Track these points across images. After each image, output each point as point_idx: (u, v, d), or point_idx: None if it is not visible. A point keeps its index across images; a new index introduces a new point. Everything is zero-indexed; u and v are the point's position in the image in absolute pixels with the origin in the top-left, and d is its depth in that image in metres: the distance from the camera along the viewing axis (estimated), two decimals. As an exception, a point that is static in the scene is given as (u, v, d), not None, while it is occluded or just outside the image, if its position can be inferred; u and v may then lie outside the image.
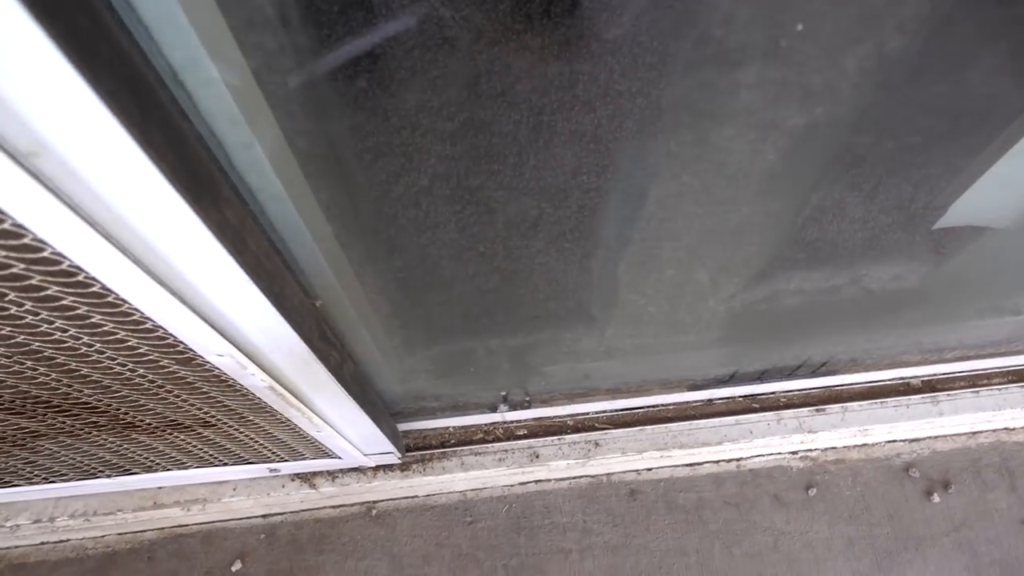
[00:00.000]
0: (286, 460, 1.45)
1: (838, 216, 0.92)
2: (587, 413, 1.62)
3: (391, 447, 1.46)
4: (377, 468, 1.60)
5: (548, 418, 1.62)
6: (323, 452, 1.40)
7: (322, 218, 0.84)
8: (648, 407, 1.63)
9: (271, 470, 1.53)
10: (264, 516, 1.71)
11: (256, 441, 1.29)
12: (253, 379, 0.92)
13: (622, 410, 1.63)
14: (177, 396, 1.01)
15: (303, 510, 1.71)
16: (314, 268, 0.93)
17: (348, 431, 1.26)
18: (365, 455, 1.47)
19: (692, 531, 1.69)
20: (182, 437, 1.24)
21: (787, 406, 1.63)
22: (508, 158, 0.74)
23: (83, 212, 0.52)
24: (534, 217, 0.89)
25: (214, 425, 1.18)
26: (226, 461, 1.42)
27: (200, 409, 1.09)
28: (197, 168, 0.56)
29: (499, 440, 1.63)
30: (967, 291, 1.26)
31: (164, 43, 0.55)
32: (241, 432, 1.22)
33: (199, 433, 1.22)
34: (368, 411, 1.21)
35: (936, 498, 1.69)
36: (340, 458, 1.43)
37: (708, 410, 1.63)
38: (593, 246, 0.90)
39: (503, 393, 1.46)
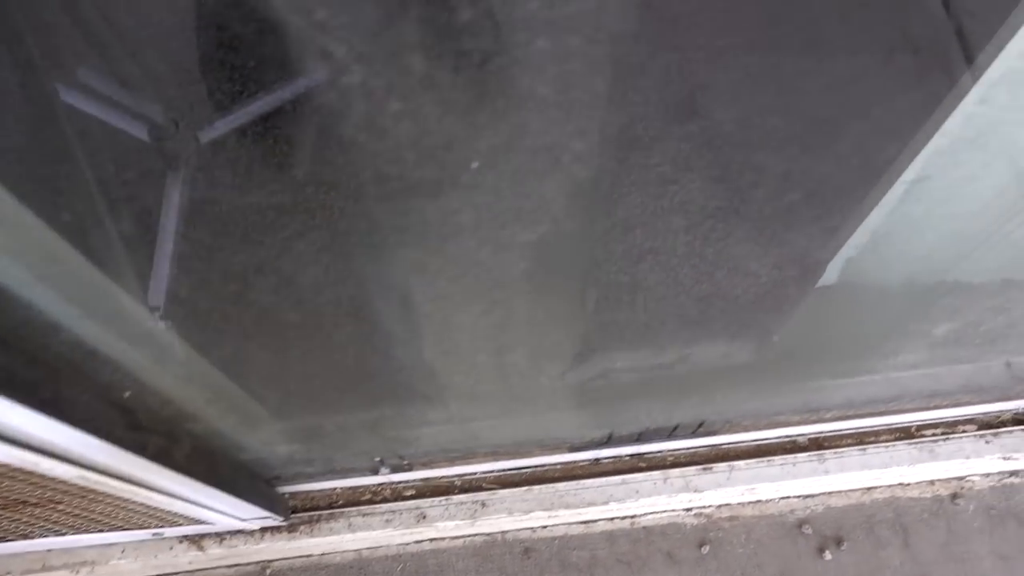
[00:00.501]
0: (163, 527, 1.45)
1: (628, 302, 0.94)
2: (474, 473, 1.63)
3: (267, 512, 1.47)
4: (264, 530, 1.61)
5: (435, 478, 1.63)
6: (194, 519, 1.41)
7: (130, 307, 0.87)
8: (535, 467, 1.64)
9: (155, 534, 1.54)
10: (159, 576, 1.72)
11: (117, 512, 1.30)
12: (56, 471, 0.93)
13: (509, 470, 1.64)
14: (2, 484, 1.03)
15: (197, 570, 1.71)
16: (127, 360, 0.95)
17: (204, 501, 1.27)
18: (242, 520, 1.48)
19: (584, 590, 1.70)
20: (40, 511, 1.25)
21: (674, 465, 1.64)
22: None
23: None
24: (337, 307, 0.91)
25: (63, 503, 1.19)
26: (101, 528, 1.43)
27: (39, 489, 1.11)
28: None
29: (387, 501, 1.63)
30: (806, 359, 1.28)
31: None
32: (95, 507, 1.24)
33: (54, 508, 1.23)
34: (219, 484, 1.23)
35: (828, 555, 1.70)
36: (213, 524, 1.44)
37: (595, 470, 1.64)
38: (387, 338, 0.92)
39: (377, 458, 1.47)
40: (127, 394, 0.97)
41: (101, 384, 0.92)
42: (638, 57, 1.09)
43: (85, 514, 1.29)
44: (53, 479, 0.99)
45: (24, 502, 1.18)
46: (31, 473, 0.95)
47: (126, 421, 0.96)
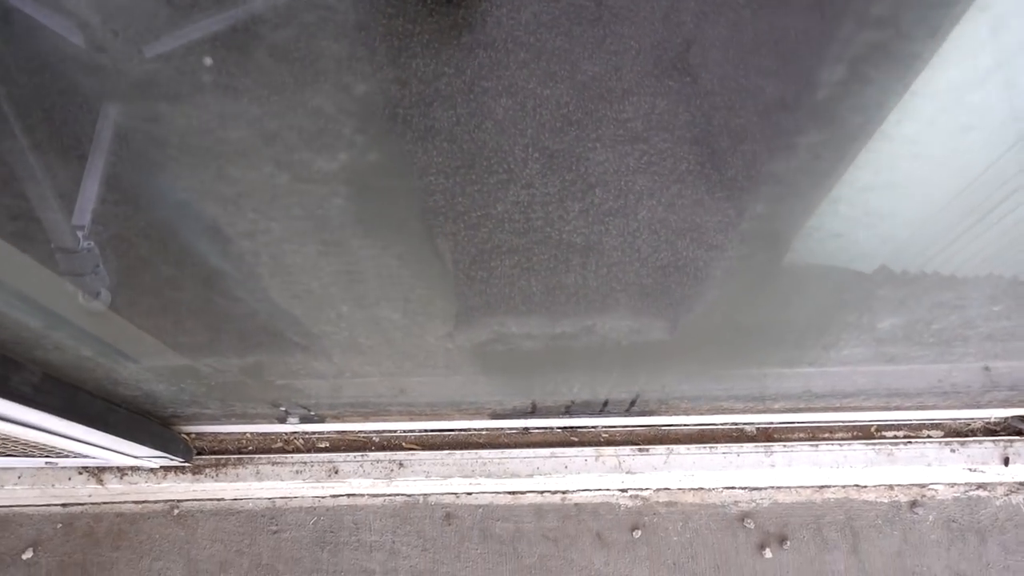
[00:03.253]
0: (51, 457, 1.37)
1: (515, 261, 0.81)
2: (394, 431, 1.53)
3: (160, 452, 1.37)
4: (166, 469, 1.52)
5: (352, 432, 1.53)
6: (76, 453, 1.32)
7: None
8: (460, 431, 1.53)
9: (48, 463, 1.45)
10: (63, 505, 1.65)
11: (-13, 439, 1.21)
12: None
13: (432, 431, 1.53)
14: None
15: (104, 503, 1.64)
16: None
17: (74, 434, 1.18)
18: (135, 457, 1.39)
19: (504, 564, 1.60)
20: None
21: (608, 443, 1.52)
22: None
23: None
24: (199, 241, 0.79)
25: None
26: (-16, 452, 1.35)
27: None
28: None
29: (299, 451, 1.54)
30: (744, 340, 1.14)
31: None
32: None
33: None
34: (82, 419, 1.13)
35: (768, 553, 1.58)
36: (98, 459, 1.35)
37: (523, 440, 1.53)
38: (214, 275, 0.79)
39: (283, 408, 1.36)
40: (-65, 312, 0.87)
41: None
42: (623, 1, 0.95)
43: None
44: None
45: None
46: None
47: (-67, 342, 0.85)
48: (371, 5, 0.56)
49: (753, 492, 1.63)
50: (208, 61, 0.46)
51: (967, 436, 1.51)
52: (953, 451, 1.50)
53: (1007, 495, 1.60)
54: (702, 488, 1.62)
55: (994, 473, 1.52)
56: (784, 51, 0.96)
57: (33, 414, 1.05)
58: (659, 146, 1.01)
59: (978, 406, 1.43)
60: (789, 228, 0.86)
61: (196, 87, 0.56)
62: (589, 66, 0.89)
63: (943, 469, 1.50)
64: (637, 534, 1.60)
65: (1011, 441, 1.50)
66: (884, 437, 1.51)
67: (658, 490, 1.63)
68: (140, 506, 1.65)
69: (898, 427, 1.51)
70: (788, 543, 1.59)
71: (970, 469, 1.50)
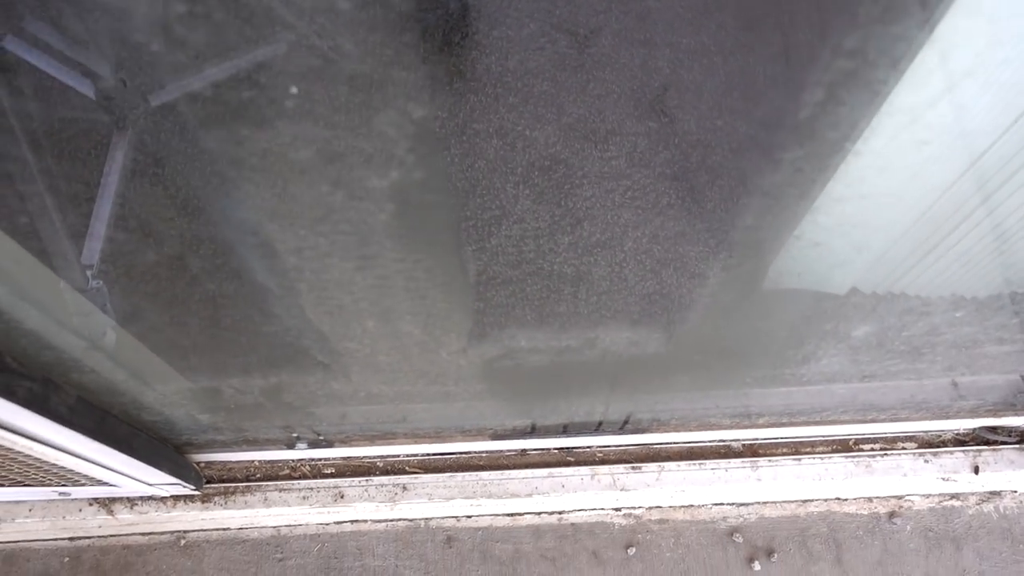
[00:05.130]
0: (67, 485, 1.41)
1: (530, 276, 0.90)
2: (397, 456, 1.59)
3: (174, 479, 1.42)
4: (177, 498, 1.57)
5: (356, 458, 1.59)
6: (96, 480, 1.37)
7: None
8: (460, 453, 1.59)
9: (60, 494, 1.50)
10: (71, 539, 1.68)
11: (12, 466, 1.26)
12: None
13: (434, 455, 1.60)
14: None
15: (111, 535, 1.67)
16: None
17: (98, 459, 1.23)
18: (149, 484, 1.44)
19: (504, 584, 1.65)
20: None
21: (602, 461, 1.59)
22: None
23: None
24: (225, 264, 0.87)
25: (-54, 447, 1.15)
26: (4, 483, 1.39)
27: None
28: None
29: (305, 477, 1.59)
30: (730, 359, 1.23)
31: None
32: (-17, 456, 1.19)
33: (-60, 454, 1.19)
34: (110, 442, 1.19)
35: (757, 566, 1.65)
36: (117, 486, 1.40)
37: (521, 461, 1.60)
38: (258, 292, 0.87)
39: (293, 433, 1.43)
40: (-10, 334, 0.93)
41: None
42: (604, 49, 1.04)
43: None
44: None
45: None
46: None
47: (-12, 362, 0.92)
48: (369, 53, 0.65)
49: (741, 507, 1.70)
50: (294, 89, 0.55)
51: (939, 447, 1.61)
52: (927, 461, 1.59)
53: (979, 504, 1.70)
54: (692, 505, 1.70)
55: (966, 482, 1.61)
56: (753, 93, 1.07)
57: (67, 435, 1.11)
58: (641, 182, 1.11)
59: (948, 417, 1.53)
60: (772, 240, 0.95)
61: (237, 118, 0.65)
62: (574, 109, 0.99)
63: (918, 479, 1.60)
64: (631, 551, 1.67)
65: (980, 451, 1.60)
66: (862, 450, 1.60)
67: (650, 508, 1.70)
68: (147, 537, 1.69)
69: (875, 440, 1.61)
70: (775, 556, 1.66)
71: (943, 479, 1.59)
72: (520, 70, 0.90)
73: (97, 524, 1.58)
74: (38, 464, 1.24)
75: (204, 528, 1.67)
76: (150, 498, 1.56)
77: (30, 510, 1.56)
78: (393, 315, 0.96)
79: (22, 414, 1.00)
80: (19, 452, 1.13)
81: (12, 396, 0.96)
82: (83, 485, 1.42)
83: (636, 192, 1.11)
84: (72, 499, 1.55)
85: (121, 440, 1.22)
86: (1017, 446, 1.61)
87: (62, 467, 1.24)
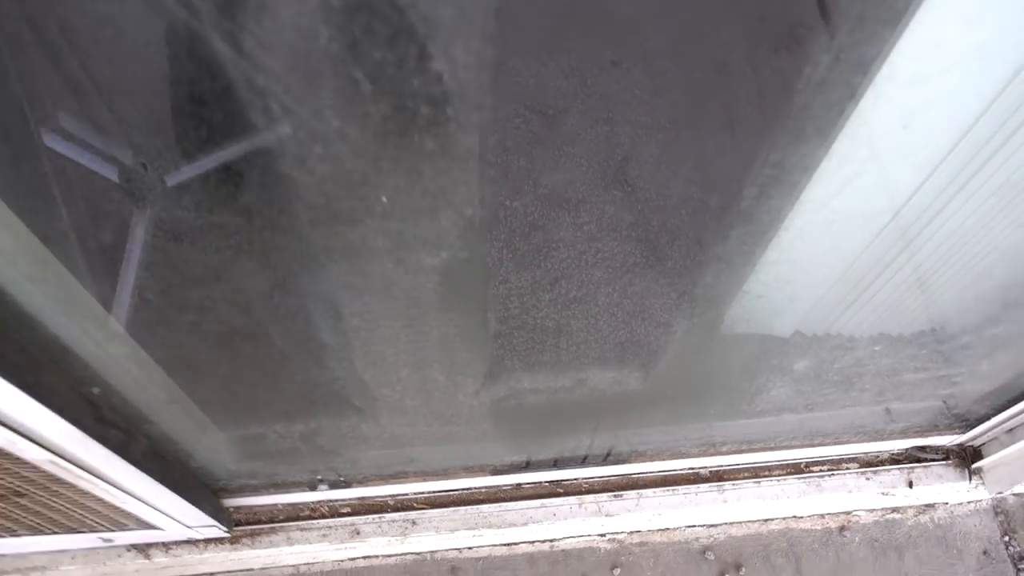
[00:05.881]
0: (114, 530, 1.59)
1: (531, 328, 1.13)
2: (406, 494, 1.79)
3: (213, 521, 1.60)
4: (208, 540, 1.74)
5: (370, 498, 1.78)
6: (145, 523, 1.54)
7: (100, 315, 1.04)
8: (463, 489, 1.80)
9: (104, 540, 1.66)
10: (106, 585, 1.83)
11: (74, 510, 1.43)
12: (29, 453, 1.08)
13: (439, 492, 1.80)
14: (-26, 467, 1.17)
15: (143, 580, 1.83)
16: (96, 360, 1.11)
17: (156, 503, 1.42)
18: (189, 527, 1.62)
19: (505, 607, 1.84)
20: (2, 505, 1.38)
21: (588, 491, 1.81)
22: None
23: None
24: (277, 324, 1.08)
25: (27, 495, 1.33)
26: (56, 530, 1.56)
27: (7, 478, 1.25)
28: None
29: (324, 517, 1.78)
30: (695, 395, 1.47)
31: None
32: (56, 501, 1.37)
33: (16, 502, 1.36)
34: (171, 486, 1.37)
35: (727, 579, 1.87)
36: (163, 529, 1.58)
37: (517, 493, 1.81)
38: (321, 348, 1.09)
39: (317, 475, 1.62)
40: (96, 390, 1.13)
41: (74, 378, 1.08)
42: (571, 127, 1.27)
43: (44, 511, 1.42)
44: (24, 464, 1.14)
45: (-9, 494, 1.31)
46: (7, 455, 1.11)
47: (93, 413, 1.12)
48: (357, 132, 0.85)
49: (711, 528, 1.93)
50: (384, 199, 0.78)
51: (878, 466, 1.86)
52: (868, 479, 1.84)
53: (916, 516, 1.95)
54: (668, 528, 1.92)
55: (903, 496, 1.86)
56: (703, 163, 1.30)
57: (140, 479, 1.30)
58: (610, 245, 1.34)
59: (884, 439, 1.78)
60: (724, 294, 1.20)
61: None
62: (548, 180, 1.21)
63: (862, 495, 1.84)
64: (616, 572, 1.88)
65: (912, 468, 1.86)
66: (812, 471, 1.85)
67: (631, 532, 1.92)
68: (177, 581, 1.85)
69: (823, 462, 1.85)
70: (743, 570, 1.88)
71: (883, 493, 1.84)
72: (499, 147, 1.11)
73: (134, 569, 1.75)
74: (103, 508, 1.42)
75: (230, 570, 1.84)
76: (185, 541, 1.73)
77: (72, 558, 1.72)
78: (424, 364, 1.18)
79: (111, 460, 1.20)
80: (96, 497, 1.31)
81: (106, 442, 1.16)
82: (129, 529, 1.60)
83: (606, 253, 1.33)
84: (113, 546, 1.71)
85: (179, 485, 1.41)
86: (944, 462, 1.87)
87: (125, 511, 1.42)
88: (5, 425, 1.01)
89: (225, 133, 0.82)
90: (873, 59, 0.77)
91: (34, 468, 1.18)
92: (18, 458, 1.12)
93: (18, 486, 1.28)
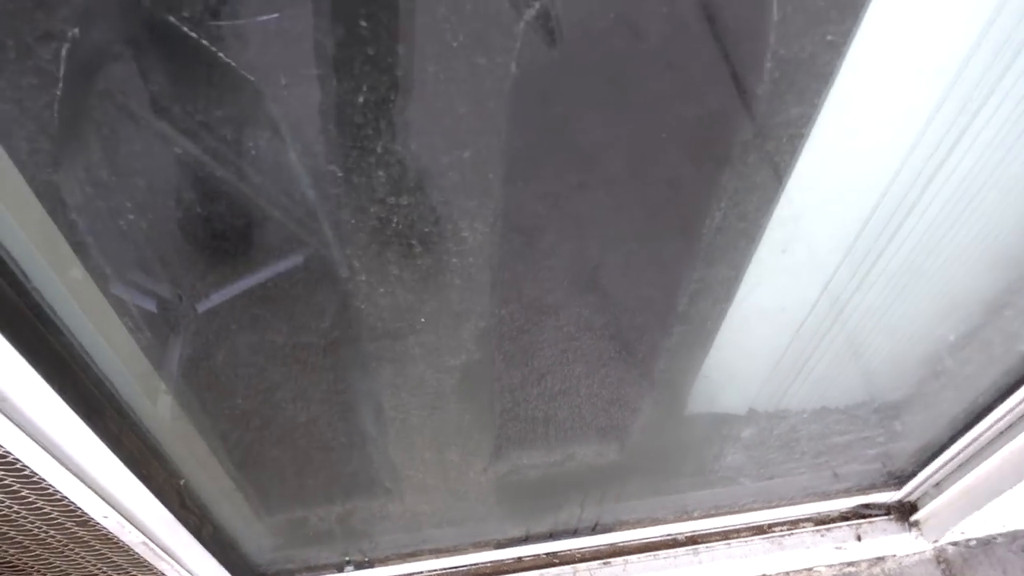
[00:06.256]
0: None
1: (528, 413, 1.43)
2: (422, 571, 2.03)
3: (256, 603, 1.84)
4: (247, 625, 1.97)
5: (389, 577, 2.02)
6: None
7: (185, 423, 1.32)
8: (471, 564, 2.05)
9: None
10: (152, 674, 2.03)
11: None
12: (130, 536, 1.35)
13: (451, 568, 2.05)
14: (77, 554, 1.43)
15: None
16: (178, 456, 1.39)
17: (217, 586, 1.66)
18: (236, 611, 1.85)
19: (513, 672, 2.06)
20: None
21: (581, 560, 2.07)
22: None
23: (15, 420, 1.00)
24: (327, 418, 1.38)
25: (107, 583, 1.58)
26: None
27: (95, 566, 1.50)
28: (90, 395, 1.05)
29: (349, 597, 2.01)
30: (666, 464, 1.76)
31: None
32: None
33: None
34: (229, 567, 1.63)
35: (709, 635, 2.11)
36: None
37: (518, 566, 2.06)
38: (363, 438, 1.39)
39: (347, 557, 1.87)
40: (183, 482, 1.41)
41: (167, 471, 1.36)
42: (548, 242, 1.52)
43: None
44: (120, 548, 1.40)
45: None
46: (109, 539, 1.37)
47: (180, 501, 1.39)
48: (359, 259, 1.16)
49: (691, 590, 2.18)
50: (423, 319, 1.10)
51: (831, 523, 2.14)
52: (822, 536, 2.12)
53: (869, 568, 2.22)
54: (653, 592, 2.17)
55: (854, 550, 2.14)
56: (661, 267, 1.55)
57: (209, 563, 1.55)
58: (587, 343, 1.60)
59: (832, 498, 2.07)
60: (681, 379, 1.51)
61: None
62: (529, 290, 1.48)
63: (819, 551, 2.11)
64: (610, 634, 2.11)
65: (859, 523, 2.14)
66: (774, 531, 2.12)
67: (621, 598, 2.16)
68: (216, 666, 2.05)
69: (782, 523, 2.13)
70: (722, 626, 2.13)
71: (836, 547, 2.11)
72: (485, 265, 1.38)
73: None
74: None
75: (264, 652, 2.05)
76: (227, 626, 1.96)
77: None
78: (443, 447, 1.47)
79: (191, 545, 1.46)
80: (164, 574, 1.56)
81: (188, 526, 1.43)
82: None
83: (584, 351, 1.60)
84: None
85: (235, 568, 1.66)
86: (886, 517, 2.15)
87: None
88: (120, 512, 1.28)
89: (252, 263, 1.13)
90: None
91: (126, 552, 1.43)
92: (118, 542, 1.38)
93: (104, 572, 1.53)
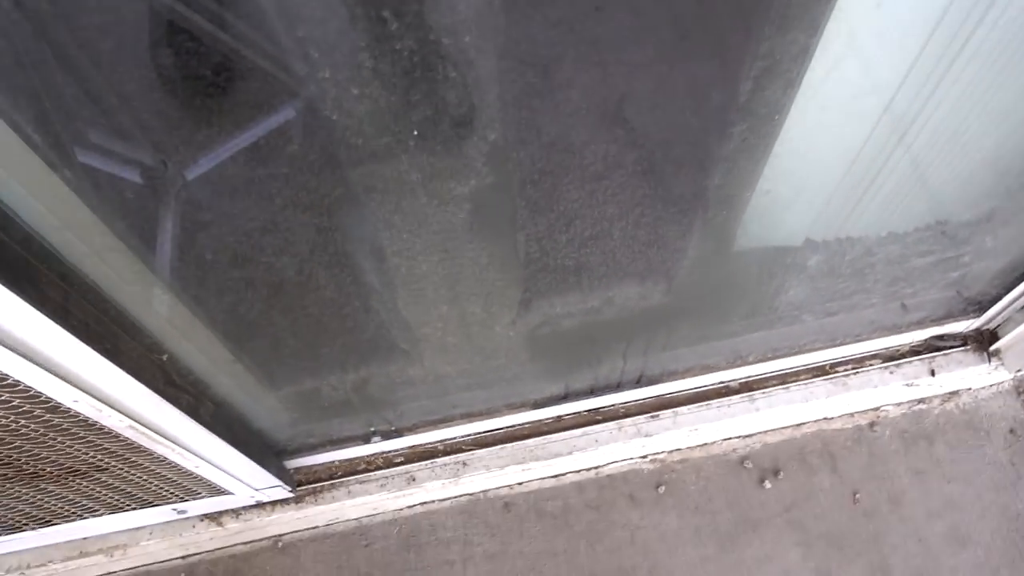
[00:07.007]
0: (187, 499, 1.69)
1: (557, 249, 1.21)
2: (455, 437, 1.88)
3: (278, 481, 1.71)
4: (275, 503, 1.85)
5: (421, 445, 1.87)
6: (216, 489, 1.64)
7: (164, 286, 1.12)
8: (508, 427, 1.89)
9: (178, 511, 1.77)
10: (183, 557, 1.95)
11: (151, 481, 1.54)
12: (111, 420, 1.18)
13: (485, 432, 1.90)
14: (61, 443, 1.27)
15: (217, 548, 1.94)
16: (159, 329, 1.20)
17: (226, 465, 1.51)
18: (256, 490, 1.72)
19: (559, 534, 1.94)
20: (84, 483, 1.48)
21: (626, 415, 1.90)
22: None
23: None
24: (320, 275, 1.17)
25: (107, 469, 1.43)
26: (133, 505, 1.66)
27: (87, 454, 1.35)
28: (17, 260, 0.84)
29: (380, 468, 1.88)
30: (718, 305, 1.55)
31: None
32: (133, 473, 1.47)
33: (97, 478, 1.47)
34: (239, 447, 1.47)
35: (768, 484, 1.96)
36: (233, 494, 1.68)
37: (559, 425, 1.90)
38: (366, 292, 1.18)
39: (372, 428, 1.72)
40: (165, 356, 1.23)
41: (144, 345, 1.17)
42: (565, 75, 1.32)
43: (122, 485, 1.53)
44: (106, 433, 1.23)
45: (75, 471, 1.41)
46: (92, 426, 1.20)
47: (164, 378, 1.21)
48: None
49: (746, 438, 2.02)
50: (415, 132, 0.86)
51: (900, 359, 1.93)
52: (891, 372, 1.92)
53: (942, 404, 2.03)
54: (706, 443, 2.00)
55: (927, 386, 1.94)
56: (695, 90, 1.34)
57: (211, 441, 1.39)
58: (618, 180, 1.40)
59: (902, 332, 1.86)
60: (735, 195, 1.27)
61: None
62: (550, 128, 1.27)
63: (888, 389, 1.92)
64: (661, 490, 1.97)
65: (933, 356, 1.93)
66: (837, 371, 1.93)
67: (671, 451, 2.01)
68: (249, 545, 1.96)
69: (846, 361, 1.93)
70: (782, 474, 1.97)
71: (907, 385, 1.92)
72: (498, 103, 1.17)
73: (208, 537, 1.85)
74: (175, 476, 1.52)
75: (296, 529, 1.95)
76: (253, 506, 1.84)
77: (150, 533, 1.83)
78: (461, 298, 1.26)
79: (184, 423, 1.29)
80: (172, 463, 1.41)
81: (179, 405, 1.25)
82: (201, 498, 1.70)
83: (615, 190, 1.39)
84: (187, 517, 1.82)
85: (245, 446, 1.50)
86: (962, 348, 1.94)
87: (197, 476, 1.52)
88: (91, 394, 1.10)
89: (240, 121, 0.89)
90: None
91: (115, 437, 1.27)
92: (102, 427, 1.22)
93: (100, 460, 1.38)
